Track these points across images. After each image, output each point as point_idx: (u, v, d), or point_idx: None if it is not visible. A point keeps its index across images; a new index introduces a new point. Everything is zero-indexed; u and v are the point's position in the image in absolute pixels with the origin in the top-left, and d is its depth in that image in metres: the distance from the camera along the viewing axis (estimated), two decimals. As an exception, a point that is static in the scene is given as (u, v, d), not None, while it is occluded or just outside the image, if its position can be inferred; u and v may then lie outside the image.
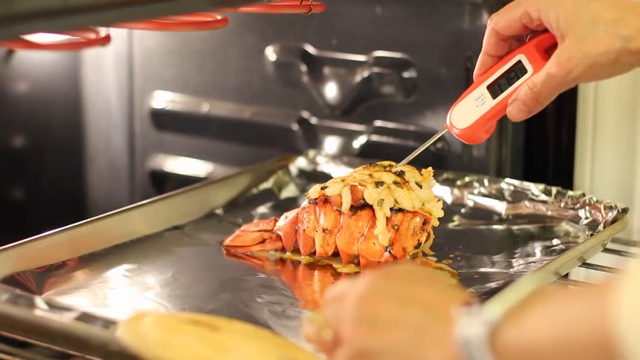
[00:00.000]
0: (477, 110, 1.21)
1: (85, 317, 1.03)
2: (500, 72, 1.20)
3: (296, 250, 1.32)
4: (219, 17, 1.20)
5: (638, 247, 1.41)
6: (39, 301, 1.06)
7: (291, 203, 1.46)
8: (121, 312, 1.09)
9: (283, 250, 1.33)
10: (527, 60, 1.18)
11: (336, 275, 1.27)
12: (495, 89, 1.20)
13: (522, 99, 1.17)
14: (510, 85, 1.19)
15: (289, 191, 1.54)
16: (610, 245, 1.34)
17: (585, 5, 1.12)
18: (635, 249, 1.40)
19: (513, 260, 1.29)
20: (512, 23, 1.18)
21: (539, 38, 1.18)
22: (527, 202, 1.43)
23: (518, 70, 1.19)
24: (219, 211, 1.45)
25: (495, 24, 1.19)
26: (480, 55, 1.22)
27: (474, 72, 1.23)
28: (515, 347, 0.82)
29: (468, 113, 1.22)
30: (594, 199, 1.37)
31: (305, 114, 1.68)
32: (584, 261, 1.29)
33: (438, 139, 1.30)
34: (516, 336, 0.82)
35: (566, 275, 1.31)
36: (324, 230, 1.28)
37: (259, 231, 1.34)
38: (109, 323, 1.01)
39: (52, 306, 1.05)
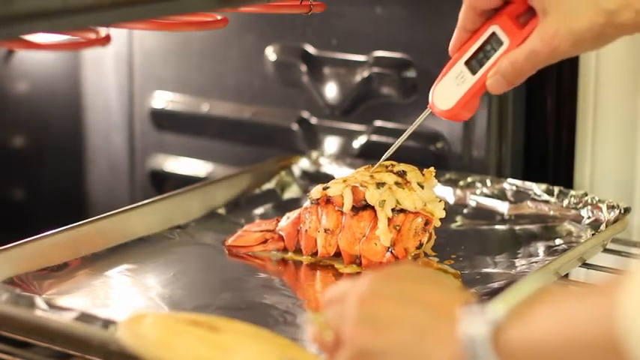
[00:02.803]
0: (459, 89, 1.19)
1: (85, 317, 1.03)
2: (476, 46, 1.18)
3: (298, 251, 1.32)
4: (219, 17, 1.20)
5: (638, 247, 1.41)
6: (39, 301, 1.06)
7: (294, 204, 1.46)
8: (122, 312, 1.09)
9: (285, 250, 1.32)
10: (501, 31, 1.16)
11: (338, 275, 1.26)
12: (474, 65, 1.18)
13: (503, 73, 1.14)
14: (488, 58, 1.17)
15: (292, 192, 1.54)
16: (610, 245, 1.34)
17: None
18: (635, 249, 1.40)
19: (516, 260, 1.28)
20: None
21: (510, 7, 1.15)
22: (529, 202, 1.42)
23: (493, 42, 1.16)
24: (221, 211, 1.45)
25: None
26: (456, 30, 1.19)
27: (449, 47, 1.20)
28: (519, 345, 0.82)
29: (449, 92, 1.19)
30: (596, 199, 1.37)
31: (305, 114, 1.68)
32: (584, 261, 1.29)
33: (424, 125, 1.27)
34: (520, 334, 0.82)
35: (567, 275, 1.31)
36: (325, 231, 1.28)
37: (261, 231, 1.34)
38: (109, 323, 1.01)
39: (52, 306, 1.06)
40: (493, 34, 1.16)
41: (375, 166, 1.31)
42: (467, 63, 1.18)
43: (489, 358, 0.82)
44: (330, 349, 0.92)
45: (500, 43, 1.16)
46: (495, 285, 1.21)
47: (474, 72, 1.18)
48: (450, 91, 1.19)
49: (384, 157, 1.31)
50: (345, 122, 1.64)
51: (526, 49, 1.12)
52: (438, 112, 1.21)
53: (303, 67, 1.65)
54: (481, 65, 1.17)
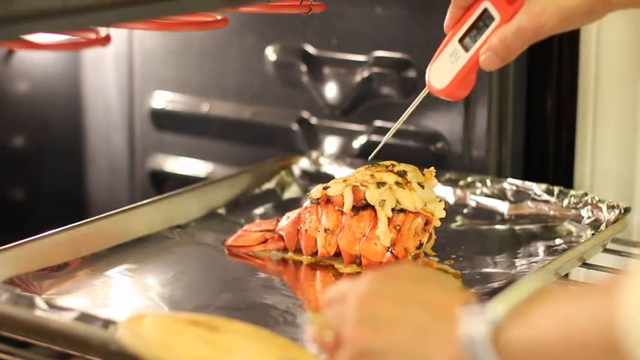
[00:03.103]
0: (453, 67, 1.18)
1: (85, 317, 1.03)
2: (469, 23, 1.16)
3: (298, 250, 1.32)
4: (219, 17, 1.20)
5: (638, 247, 1.41)
6: (39, 301, 1.06)
7: (294, 204, 1.46)
8: (122, 312, 1.09)
9: (285, 250, 1.32)
10: (492, 7, 1.14)
11: (338, 275, 1.26)
12: (467, 42, 1.16)
13: (494, 50, 1.13)
14: (481, 35, 1.15)
15: (292, 192, 1.54)
16: (610, 245, 1.34)
17: None
18: (635, 249, 1.40)
19: (516, 260, 1.28)
20: None
21: None
22: (529, 202, 1.42)
23: (486, 19, 1.15)
24: (221, 211, 1.45)
25: None
26: (449, 7, 1.18)
27: (444, 24, 1.19)
28: (518, 345, 0.82)
29: (444, 71, 1.18)
30: (596, 199, 1.37)
31: (305, 114, 1.67)
32: (584, 261, 1.29)
33: (421, 109, 1.25)
34: (520, 334, 0.82)
35: (567, 275, 1.31)
36: (325, 230, 1.28)
37: (261, 231, 1.34)
38: (109, 323, 1.01)
39: (52, 306, 1.05)
40: (485, 10, 1.15)
41: (374, 152, 1.30)
42: (460, 40, 1.17)
43: (489, 358, 0.82)
44: (330, 349, 0.92)
45: (492, 19, 1.14)
46: (495, 285, 1.21)
47: (467, 49, 1.17)
48: (445, 69, 1.18)
49: (383, 141, 1.30)
50: (345, 122, 1.64)
51: (514, 26, 1.11)
52: (434, 91, 1.20)
53: (303, 67, 1.65)
54: (474, 42, 1.16)
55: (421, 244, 1.27)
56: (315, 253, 1.30)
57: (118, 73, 1.84)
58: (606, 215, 1.35)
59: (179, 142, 1.80)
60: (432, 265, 1.28)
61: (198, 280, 1.24)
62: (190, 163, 1.79)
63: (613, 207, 1.35)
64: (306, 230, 1.30)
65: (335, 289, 0.94)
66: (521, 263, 1.27)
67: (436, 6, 1.52)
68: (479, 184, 1.47)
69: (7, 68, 1.80)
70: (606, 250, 1.34)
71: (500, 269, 1.26)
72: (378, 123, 1.61)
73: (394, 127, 1.29)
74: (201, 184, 1.49)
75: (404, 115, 1.28)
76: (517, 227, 1.39)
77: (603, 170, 1.52)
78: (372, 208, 1.26)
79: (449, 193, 1.47)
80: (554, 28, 1.09)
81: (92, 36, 1.04)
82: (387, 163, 1.32)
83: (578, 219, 1.38)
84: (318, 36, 1.64)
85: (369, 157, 1.31)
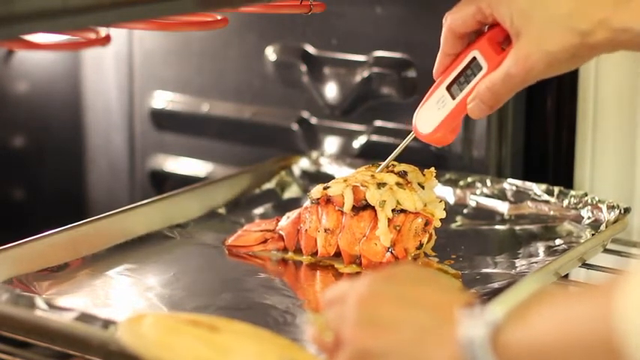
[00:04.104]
0: (439, 113, 1.19)
1: (85, 317, 1.03)
2: (457, 71, 1.18)
3: (298, 250, 1.32)
4: (219, 17, 1.20)
5: (638, 247, 1.41)
6: (39, 301, 1.06)
7: (294, 204, 1.46)
8: (122, 312, 1.09)
9: (285, 250, 1.32)
10: (481, 56, 1.16)
11: (338, 275, 1.26)
12: (454, 89, 1.18)
13: (481, 98, 1.14)
14: (468, 83, 1.17)
15: (292, 192, 1.54)
16: (610, 246, 1.34)
17: None
18: (635, 250, 1.40)
19: (516, 261, 1.28)
20: (467, 20, 1.14)
21: (492, 31, 1.15)
22: (529, 202, 1.43)
23: (474, 67, 1.16)
24: (221, 211, 1.45)
25: (451, 23, 1.16)
26: (439, 54, 1.19)
27: (433, 71, 1.20)
28: (517, 347, 0.82)
29: (431, 117, 1.20)
30: (596, 199, 1.37)
31: (305, 114, 1.67)
32: (584, 261, 1.29)
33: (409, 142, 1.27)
34: (519, 336, 0.82)
35: (567, 276, 1.31)
36: (326, 230, 1.28)
37: (261, 231, 1.34)
38: (109, 323, 1.01)
39: (52, 306, 1.05)
40: (474, 58, 1.17)
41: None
42: (448, 87, 1.19)
43: (488, 360, 0.82)
44: (330, 350, 0.92)
45: (480, 68, 1.16)
46: (495, 285, 1.21)
47: (453, 97, 1.18)
48: (432, 115, 1.20)
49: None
50: (345, 122, 1.64)
51: (502, 73, 1.11)
52: (420, 136, 1.22)
53: (303, 67, 1.65)
54: (461, 90, 1.18)
55: (421, 245, 1.27)
56: (315, 253, 1.30)
57: (118, 73, 1.84)
58: (606, 215, 1.35)
59: (179, 142, 1.80)
60: (432, 266, 1.28)
61: (198, 280, 1.24)
62: (190, 163, 1.79)
63: (613, 207, 1.35)
64: (306, 230, 1.30)
65: (335, 290, 0.94)
66: (521, 264, 1.27)
67: (436, 6, 1.52)
68: (479, 184, 1.47)
69: (7, 68, 1.80)
70: (606, 251, 1.34)
71: (500, 269, 1.26)
72: (378, 123, 1.62)
73: (382, 165, 1.29)
74: (201, 184, 1.49)
75: (391, 156, 1.28)
76: (517, 227, 1.39)
77: (603, 170, 1.52)
78: (372, 208, 1.26)
79: (449, 194, 1.47)
80: (542, 72, 1.10)
81: (92, 36, 1.04)
82: (387, 163, 1.32)
83: (578, 219, 1.38)
84: (318, 36, 1.64)
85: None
